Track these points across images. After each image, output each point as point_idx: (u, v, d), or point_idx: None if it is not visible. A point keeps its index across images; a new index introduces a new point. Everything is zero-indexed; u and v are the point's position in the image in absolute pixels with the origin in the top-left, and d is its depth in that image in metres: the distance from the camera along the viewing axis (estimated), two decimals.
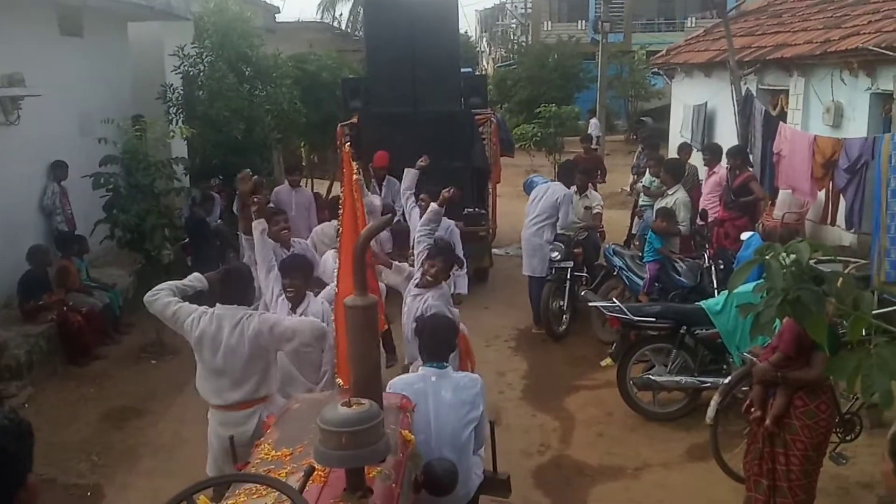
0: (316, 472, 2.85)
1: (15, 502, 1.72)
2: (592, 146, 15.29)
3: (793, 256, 3.24)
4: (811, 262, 3.23)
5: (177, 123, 10.58)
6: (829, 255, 3.53)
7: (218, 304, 4.66)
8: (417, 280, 5.61)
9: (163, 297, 4.67)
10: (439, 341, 4.18)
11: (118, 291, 9.29)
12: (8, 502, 1.71)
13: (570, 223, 8.94)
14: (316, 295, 5.39)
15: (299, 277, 5.23)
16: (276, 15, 20.52)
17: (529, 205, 9.16)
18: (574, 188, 9.37)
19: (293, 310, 5.16)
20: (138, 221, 8.24)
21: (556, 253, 8.77)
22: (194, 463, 5.70)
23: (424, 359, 4.19)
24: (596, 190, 10.41)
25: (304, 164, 16.56)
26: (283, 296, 5.21)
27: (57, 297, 8.28)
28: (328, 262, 6.12)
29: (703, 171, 10.79)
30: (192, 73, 11.48)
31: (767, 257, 3.33)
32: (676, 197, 8.79)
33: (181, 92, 11.32)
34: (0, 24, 8.47)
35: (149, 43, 12.11)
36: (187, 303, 4.72)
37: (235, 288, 4.72)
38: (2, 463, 1.69)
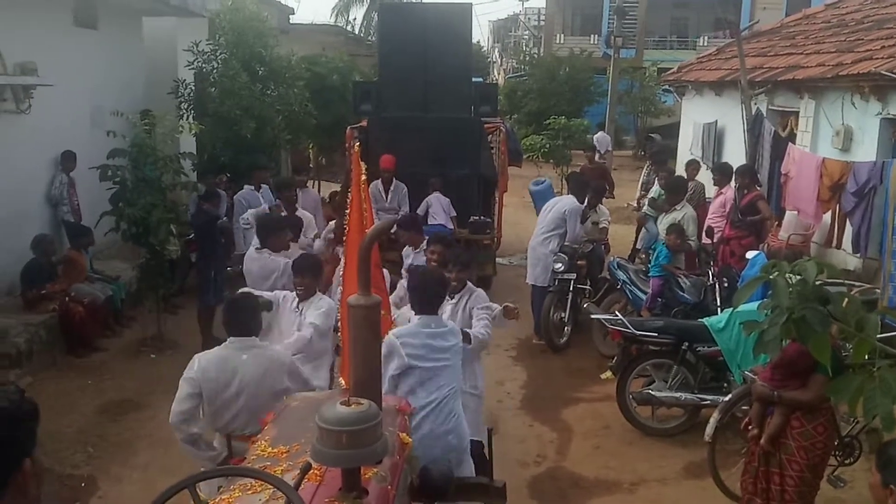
0: (312, 471, 2.84)
1: (10, 486, 1.68)
2: (597, 158, 15.31)
3: (799, 276, 3.25)
4: (817, 283, 3.23)
5: (187, 119, 10.61)
6: (835, 275, 3.53)
7: (230, 339, 4.44)
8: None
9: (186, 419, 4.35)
10: (430, 295, 4.63)
11: (121, 284, 9.29)
12: (2, 485, 1.67)
13: (579, 237, 8.93)
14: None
15: (309, 276, 5.41)
16: (291, 16, 20.58)
17: (541, 214, 9.19)
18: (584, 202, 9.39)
19: (302, 302, 5.38)
20: (144, 215, 8.25)
21: (560, 264, 8.76)
22: (189, 459, 5.69)
23: (417, 310, 4.63)
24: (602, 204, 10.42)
25: (311, 165, 16.60)
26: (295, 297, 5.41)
27: (60, 287, 8.30)
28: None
29: (710, 190, 10.78)
30: (205, 69, 11.52)
31: (773, 275, 3.33)
32: (685, 212, 8.80)
33: (193, 88, 11.35)
34: (15, 13, 8.50)
35: (163, 38, 12.16)
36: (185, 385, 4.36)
37: (243, 318, 4.52)
38: None
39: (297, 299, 5.45)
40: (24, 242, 8.37)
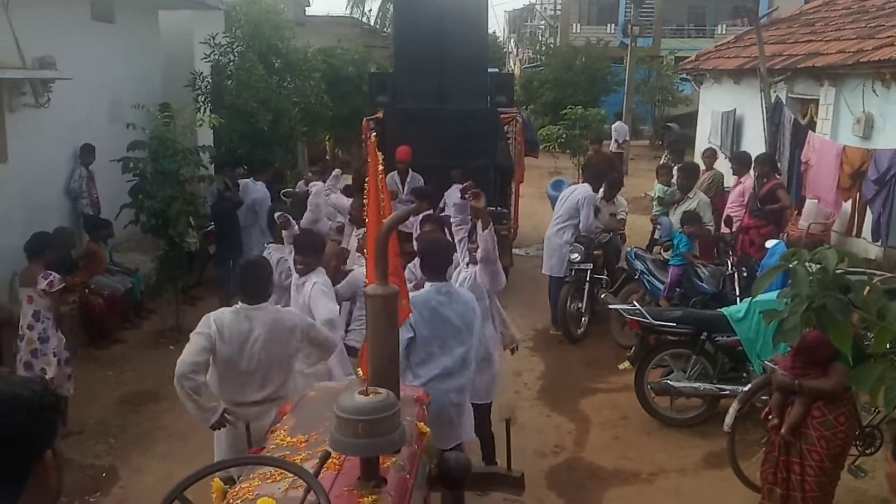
0: (331, 460, 2.85)
1: (32, 478, 1.67)
2: (611, 150, 15.22)
3: (819, 265, 3.22)
4: (838, 271, 3.19)
5: (205, 112, 10.65)
6: (856, 263, 3.49)
7: (241, 305, 4.53)
8: (465, 262, 5.73)
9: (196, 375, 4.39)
10: (438, 261, 4.80)
11: (140, 276, 9.36)
12: (23, 477, 1.66)
13: (592, 226, 8.90)
14: None
15: (311, 255, 5.52)
16: (306, 8, 20.61)
17: (557, 205, 9.16)
18: (601, 192, 9.36)
19: (301, 277, 5.51)
20: (163, 207, 8.30)
21: (576, 254, 8.73)
22: (208, 449, 5.73)
23: (428, 276, 4.83)
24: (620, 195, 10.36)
25: (328, 157, 16.64)
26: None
27: (80, 280, 8.36)
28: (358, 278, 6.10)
29: (730, 179, 10.69)
30: (221, 62, 11.55)
31: (793, 264, 3.30)
32: (698, 199, 8.78)
33: (210, 81, 11.39)
34: (33, 8, 8.55)
35: (179, 31, 12.21)
36: (199, 336, 4.45)
37: (257, 282, 4.60)
38: (12, 438, 1.62)
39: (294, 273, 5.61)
40: None
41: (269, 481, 2.87)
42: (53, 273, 6.33)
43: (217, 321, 4.43)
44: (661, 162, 13.16)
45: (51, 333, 6.31)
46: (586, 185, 9.23)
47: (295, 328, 4.56)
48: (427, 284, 4.83)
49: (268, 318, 4.49)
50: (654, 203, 10.74)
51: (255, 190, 9.76)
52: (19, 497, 1.65)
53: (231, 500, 2.84)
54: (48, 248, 6.55)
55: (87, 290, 8.32)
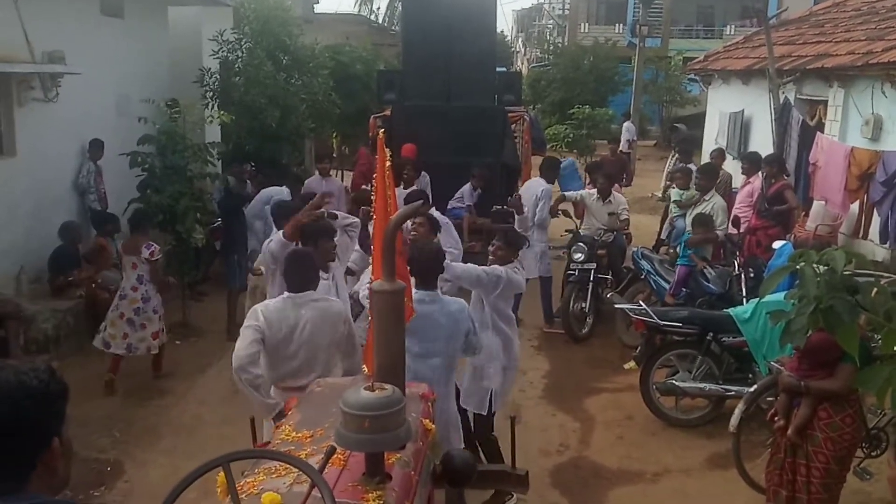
0: (336, 456, 2.85)
1: (39, 465, 1.69)
2: (622, 150, 15.21)
3: (827, 266, 3.20)
4: (845, 272, 3.18)
5: (213, 108, 10.66)
6: (864, 265, 3.47)
7: (288, 294, 4.63)
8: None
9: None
10: (427, 269, 4.67)
11: None
12: (31, 465, 1.68)
13: (545, 221, 8.93)
14: None
15: (323, 239, 5.49)
16: (315, 5, 20.61)
17: None
18: (595, 191, 9.36)
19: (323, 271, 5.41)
20: (171, 203, 8.31)
21: (579, 254, 8.73)
22: (213, 444, 5.75)
23: (418, 284, 4.63)
24: (620, 192, 10.34)
25: (335, 154, 16.64)
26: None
27: (87, 274, 8.39)
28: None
29: (738, 180, 10.66)
30: (230, 58, 11.56)
31: (801, 265, 3.29)
32: (714, 202, 8.71)
33: (218, 77, 11.40)
34: (42, 2, 8.57)
35: (188, 27, 12.21)
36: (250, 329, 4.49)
37: (300, 274, 4.72)
38: (20, 427, 1.64)
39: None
40: (51, 230, 8.47)
41: (273, 476, 2.87)
42: (154, 244, 7.45)
43: (265, 312, 4.54)
44: (670, 163, 13.15)
45: (151, 294, 7.40)
46: (540, 179, 9.21)
47: (342, 313, 4.76)
48: (414, 292, 4.58)
49: (316, 305, 4.64)
50: (673, 206, 10.67)
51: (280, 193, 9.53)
52: (27, 484, 1.67)
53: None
54: (148, 222, 7.82)
55: (93, 285, 8.34)
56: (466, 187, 10.03)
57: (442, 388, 4.53)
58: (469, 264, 5.56)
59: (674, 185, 10.73)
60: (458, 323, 4.66)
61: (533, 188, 9.09)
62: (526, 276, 8.83)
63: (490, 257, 5.70)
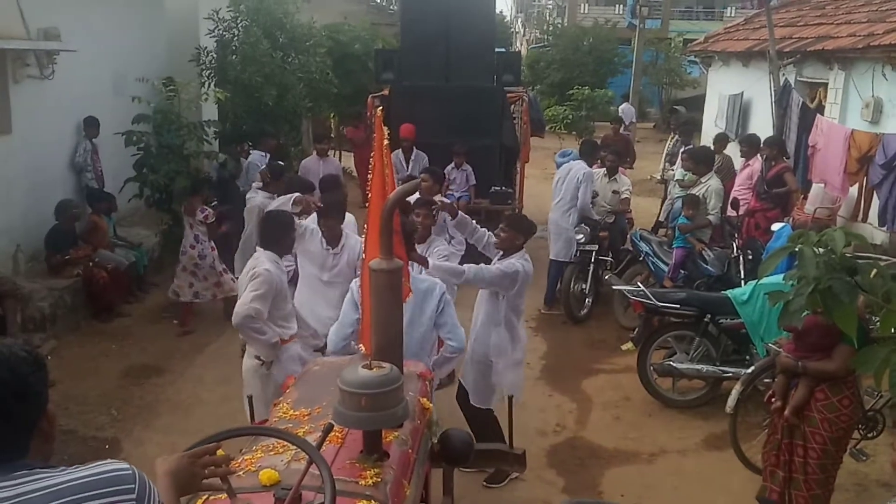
0: (333, 434, 2.85)
1: (36, 432, 1.78)
2: (623, 129, 15.18)
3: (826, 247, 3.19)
4: (845, 253, 3.17)
5: (209, 87, 10.60)
6: (864, 247, 3.46)
7: (259, 250, 4.99)
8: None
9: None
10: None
11: (144, 250, 9.36)
12: (31, 431, 1.76)
13: (589, 206, 8.85)
14: None
15: (334, 216, 5.72)
16: None
17: (555, 185, 9.09)
18: (603, 170, 9.31)
19: (330, 246, 5.66)
20: (167, 182, 8.28)
21: (582, 235, 8.70)
22: (211, 422, 5.75)
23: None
24: (625, 174, 10.29)
25: (332, 135, 16.57)
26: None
27: (84, 253, 8.36)
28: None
29: (738, 162, 10.62)
30: (226, 37, 11.48)
31: (800, 246, 3.27)
32: (709, 185, 8.67)
33: (215, 55, 11.33)
34: None
35: (184, 5, 12.09)
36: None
37: (272, 233, 5.02)
38: (24, 392, 1.74)
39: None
40: (47, 208, 8.42)
41: (271, 453, 2.86)
42: (208, 208, 8.28)
43: (270, 271, 4.83)
44: (669, 144, 13.10)
45: (207, 252, 8.23)
46: (581, 161, 9.13)
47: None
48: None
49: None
50: (675, 186, 10.64)
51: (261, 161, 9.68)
52: (29, 451, 1.76)
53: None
54: (205, 187, 8.59)
55: (90, 264, 8.32)
56: (449, 167, 9.96)
57: None
58: (482, 265, 5.30)
59: (674, 168, 10.71)
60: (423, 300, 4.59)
61: (575, 171, 8.88)
62: (555, 258, 8.92)
63: (494, 241, 5.50)
